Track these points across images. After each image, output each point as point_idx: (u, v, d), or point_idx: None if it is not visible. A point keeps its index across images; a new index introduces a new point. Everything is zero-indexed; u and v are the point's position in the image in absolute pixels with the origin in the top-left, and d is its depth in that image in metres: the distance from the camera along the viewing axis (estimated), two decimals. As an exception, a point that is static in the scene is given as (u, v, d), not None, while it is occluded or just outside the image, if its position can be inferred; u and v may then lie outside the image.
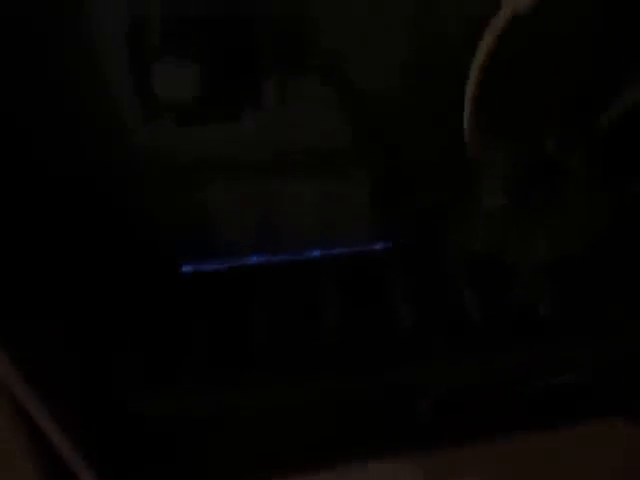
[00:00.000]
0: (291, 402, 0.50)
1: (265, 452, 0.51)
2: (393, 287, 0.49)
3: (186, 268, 0.51)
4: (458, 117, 0.33)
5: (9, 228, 0.34)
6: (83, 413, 0.42)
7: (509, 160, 0.34)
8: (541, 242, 0.40)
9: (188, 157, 0.42)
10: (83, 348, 0.43)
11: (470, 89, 0.27)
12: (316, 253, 0.52)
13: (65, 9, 0.33)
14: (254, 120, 0.40)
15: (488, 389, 0.52)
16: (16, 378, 0.34)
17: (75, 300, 0.42)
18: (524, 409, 0.53)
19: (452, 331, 0.48)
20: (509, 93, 0.29)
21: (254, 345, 0.47)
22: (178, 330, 0.47)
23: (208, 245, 0.49)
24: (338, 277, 0.51)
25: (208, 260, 0.50)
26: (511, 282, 0.46)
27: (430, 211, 0.43)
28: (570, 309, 0.48)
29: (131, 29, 0.35)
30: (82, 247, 0.41)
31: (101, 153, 0.40)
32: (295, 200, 0.47)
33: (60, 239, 0.40)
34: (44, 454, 0.40)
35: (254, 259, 0.52)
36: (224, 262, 0.51)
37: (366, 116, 0.41)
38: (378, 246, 0.51)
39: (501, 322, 0.48)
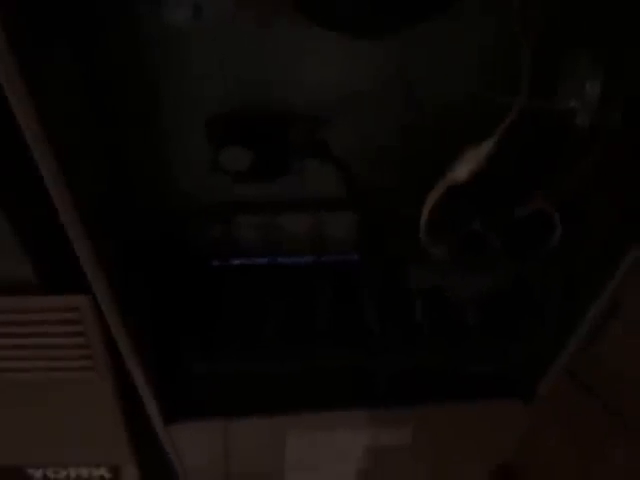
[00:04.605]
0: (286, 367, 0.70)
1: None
2: (368, 295, 0.69)
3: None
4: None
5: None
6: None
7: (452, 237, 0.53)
8: (469, 283, 0.60)
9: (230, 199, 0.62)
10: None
11: (423, 217, 0.45)
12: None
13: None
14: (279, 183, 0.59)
15: (427, 372, 0.73)
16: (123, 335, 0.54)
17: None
18: (452, 388, 0.74)
19: (406, 330, 0.68)
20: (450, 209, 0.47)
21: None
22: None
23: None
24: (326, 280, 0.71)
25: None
26: (448, 302, 0.66)
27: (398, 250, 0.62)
28: (488, 320, 0.68)
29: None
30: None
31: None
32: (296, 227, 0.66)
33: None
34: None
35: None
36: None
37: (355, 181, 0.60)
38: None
39: (440, 326, 0.68)
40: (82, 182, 0.45)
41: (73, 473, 0.73)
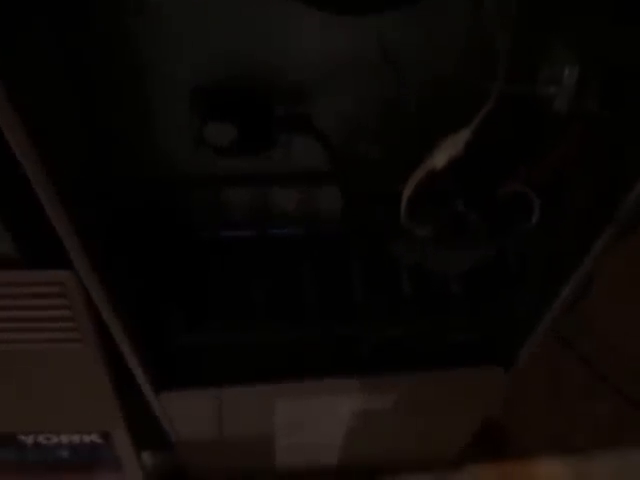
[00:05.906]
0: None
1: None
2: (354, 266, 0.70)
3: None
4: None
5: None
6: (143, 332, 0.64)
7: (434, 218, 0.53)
8: (451, 259, 0.61)
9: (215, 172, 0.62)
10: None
11: (403, 204, 0.46)
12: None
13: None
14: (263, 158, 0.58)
15: (412, 340, 0.74)
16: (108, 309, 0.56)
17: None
18: (436, 355, 0.76)
19: (391, 300, 0.69)
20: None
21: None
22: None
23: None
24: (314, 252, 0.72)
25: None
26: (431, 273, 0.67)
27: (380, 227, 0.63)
28: (471, 292, 0.70)
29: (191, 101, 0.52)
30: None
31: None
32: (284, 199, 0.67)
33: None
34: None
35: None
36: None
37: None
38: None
39: (425, 296, 0.70)
40: (59, 154, 0.44)
41: (65, 439, 0.76)
